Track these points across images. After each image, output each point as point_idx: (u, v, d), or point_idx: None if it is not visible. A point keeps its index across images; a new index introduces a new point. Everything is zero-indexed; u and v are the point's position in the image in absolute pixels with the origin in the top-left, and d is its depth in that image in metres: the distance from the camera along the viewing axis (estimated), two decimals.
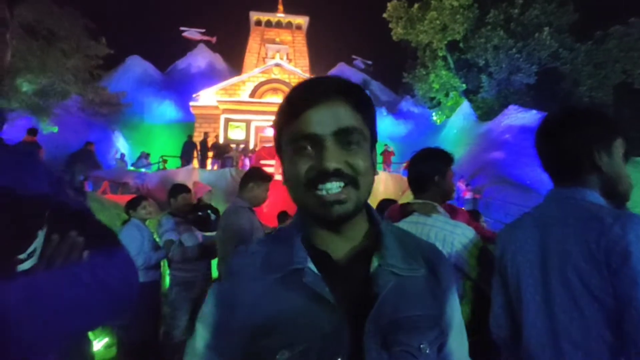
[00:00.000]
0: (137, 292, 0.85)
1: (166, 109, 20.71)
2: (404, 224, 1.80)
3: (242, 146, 17.10)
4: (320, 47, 22.27)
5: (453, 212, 1.98)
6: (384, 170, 15.24)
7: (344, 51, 23.27)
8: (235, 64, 24.13)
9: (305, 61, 22.98)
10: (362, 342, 0.61)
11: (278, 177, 9.02)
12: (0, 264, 0.68)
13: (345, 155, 0.64)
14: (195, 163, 15.53)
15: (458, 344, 0.76)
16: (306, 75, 20.54)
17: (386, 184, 12.61)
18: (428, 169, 1.78)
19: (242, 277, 0.70)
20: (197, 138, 16.99)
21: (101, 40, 14.37)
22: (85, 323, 0.74)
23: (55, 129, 13.55)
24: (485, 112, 19.18)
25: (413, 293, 0.68)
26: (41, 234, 0.76)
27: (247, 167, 13.46)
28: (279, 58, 21.17)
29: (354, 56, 26.91)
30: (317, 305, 0.63)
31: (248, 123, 18.77)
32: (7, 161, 0.76)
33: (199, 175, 11.85)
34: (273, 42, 23.36)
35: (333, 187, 0.63)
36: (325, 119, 0.64)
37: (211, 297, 0.72)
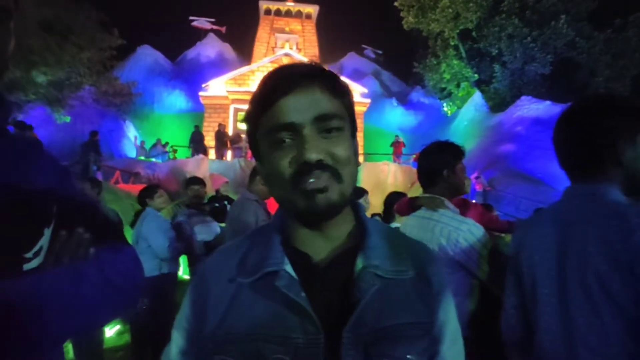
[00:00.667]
0: (141, 289, 0.85)
1: (176, 99, 20.79)
2: (412, 219, 1.78)
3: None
4: (330, 36, 22.05)
5: (466, 207, 1.93)
6: (394, 161, 15.14)
7: (354, 40, 23.01)
8: (245, 54, 24.05)
9: (314, 50, 22.79)
10: (339, 354, 0.56)
11: None
12: (6, 264, 0.66)
13: (325, 144, 0.60)
14: (212, 154, 15.60)
15: (453, 354, 0.67)
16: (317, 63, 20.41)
17: (395, 176, 12.54)
18: (437, 163, 1.74)
19: (215, 279, 0.65)
20: (207, 129, 17.06)
21: (114, 32, 14.51)
22: (91, 321, 0.74)
23: (68, 119, 13.75)
24: (497, 103, 18.83)
25: (399, 298, 0.62)
26: (47, 231, 0.74)
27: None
28: (289, 47, 21.00)
29: (364, 45, 26.59)
30: (292, 312, 0.58)
31: None
32: (12, 154, 0.72)
33: (208, 166, 11.92)
34: (282, 31, 23.18)
35: (315, 177, 0.58)
36: (303, 105, 0.59)
37: (185, 301, 0.68)
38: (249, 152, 15.42)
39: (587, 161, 1.03)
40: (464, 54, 20.81)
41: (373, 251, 0.63)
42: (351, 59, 25.25)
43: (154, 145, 15.68)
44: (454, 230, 1.54)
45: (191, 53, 23.85)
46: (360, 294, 0.58)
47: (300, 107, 0.59)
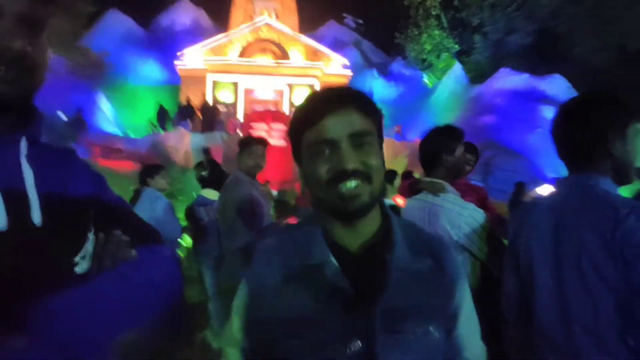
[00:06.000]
0: (182, 288, 0.89)
1: (151, 70, 19.96)
2: (413, 201, 1.85)
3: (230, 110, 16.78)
4: (309, 3, 21.31)
5: (470, 190, 2.01)
6: None
7: (334, 9, 22.28)
8: (221, 21, 23.07)
9: (294, 18, 22.08)
10: (374, 328, 0.70)
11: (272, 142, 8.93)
12: (59, 269, 0.70)
13: (360, 155, 0.73)
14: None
15: (468, 328, 0.84)
16: (296, 35, 19.85)
17: None
18: (436, 148, 1.80)
19: (267, 270, 0.79)
20: (183, 101, 16.53)
21: None
22: (138, 323, 0.75)
23: None
24: (477, 75, 18.92)
25: (420, 284, 0.76)
26: (91, 236, 0.77)
27: (238, 132, 13.29)
28: (267, 15, 20.30)
29: (344, 14, 25.95)
30: (336, 295, 0.72)
31: (236, 85, 18.31)
32: (51, 163, 0.76)
33: (190, 140, 11.69)
34: None
35: (352, 185, 0.71)
36: (341, 125, 0.73)
37: (241, 290, 0.82)
38: (230, 125, 15.17)
39: (581, 153, 1.13)
40: (445, 24, 20.65)
41: (397, 246, 0.76)
42: (331, 28, 24.62)
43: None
44: (456, 216, 1.62)
45: (165, 20, 22.69)
46: (388, 280, 0.73)
47: (338, 125, 0.73)
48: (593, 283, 1.00)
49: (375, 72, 21.00)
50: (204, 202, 3.62)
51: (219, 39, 19.07)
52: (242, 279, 0.83)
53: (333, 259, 0.74)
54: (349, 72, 19.33)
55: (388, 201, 3.53)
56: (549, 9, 18.65)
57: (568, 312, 1.05)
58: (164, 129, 14.56)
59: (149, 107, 18.08)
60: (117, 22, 20.48)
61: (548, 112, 15.36)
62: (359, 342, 0.70)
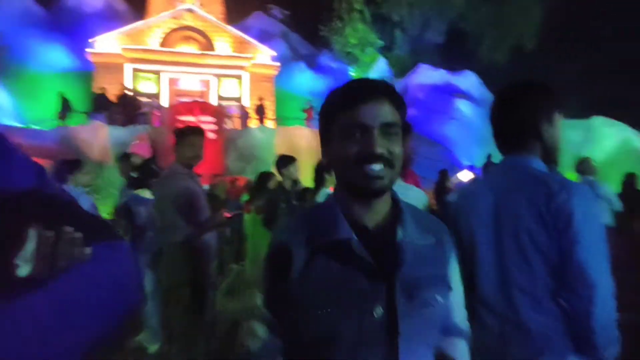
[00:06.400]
0: (142, 284, 0.85)
1: (55, 55, 17.90)
2: None
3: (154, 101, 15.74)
4: None
5: (408, 175, 2.16)
6: (307, 126, 15.36)
7: None
8: (138, 5, 21.44)
9: (219, 7, 21.28)
10: (394, 295, 0.80)
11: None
12: None
13: (386, 143, 0.82)
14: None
15: (457, 297, 0.97)
16: (222, 23, 19.15)
17: (309, 141, 12.80)
18: None
19: (294, 244, 0.85)
20: (99, 91, 15.15)
21: None
22: (106, 324, 0.72)
23: None
24: (400, 70, 20.00)
25: (427, 257, 0.87)
26: (33, 234, 0.71)
27: (163, 125, 12.51)
28: (192, 3, 19.30)
29: (270, 5, 25.62)
30: (360, 267, 0.81)
31: (159, 75, 17.21)
32: None
33: (108, 134, 10.75)
34: None
35: (377, 167, 0.81)
36: (375, 113, 0.82)
37: (268, 263, 0.90)
38: (155, 117, 14.19)
39: (515, 136, 1.26)
40: (368, 18, 21.36)
41: (407, 225, 0.87)
42: (258, 19, 24.16)
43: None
44: (402, 196, 1.72)
45: (71, 0, 20.47)
46: (404, 254, 0.83)
47: (373, 114, 0.82)
48: (529, 251, 1.13)
49: (303, 64, 21.11)
50: (139, 200, 3.43)
51: (138, 25, 17.72)
52: (266, 258, 0.91)
53: (354, 236, 0.82)
54: (277, 64, 19.18)
55: (326, 191, 3.57)
56: (458, 11, 20.31)
57: (508, 278, 1.16)
58: (63, 120, 13.15)
59: (54, 96, 16.29)
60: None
61: (462, 105, 16.87)
62: (381, 308, 0.80)
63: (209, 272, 2.87)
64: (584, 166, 4.45)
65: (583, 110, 13.54)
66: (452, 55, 20.70)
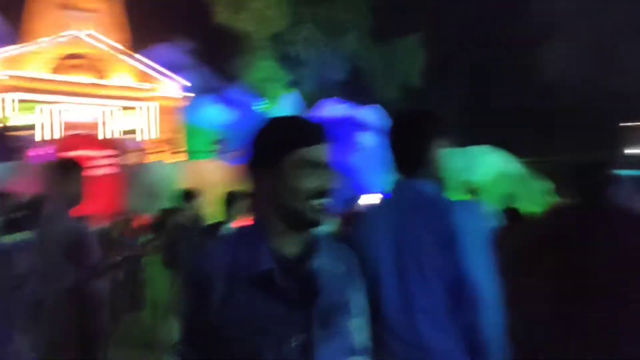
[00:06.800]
0: None
1: None
2: None
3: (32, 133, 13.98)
4: (143, 22, 19.73)
5: None
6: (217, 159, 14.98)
7: (170, 29, 21.17)
8: (19, 28, 19.19)
9: (123, 35, 19.96)
10: (310, 323, 0.85)
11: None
12: None
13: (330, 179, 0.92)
14: None
15: (362, 319, 1.01)
16: (121, 52, 18.02)
17: (220, 174, 12.48)
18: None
19: (214, 273, 0.87)
20: None
21: None
22: None
23: None
24: (310, 104, 20.80)
25: (339, 285, 0.94)
26: None
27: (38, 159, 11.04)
28: (85, 28, 17.85)
29: (179, 36, 24.98)
30: (280, 297, 0.86)
31: (44, 105, 15.39)
32: None
33: None
34: (75, 7, 19.43)
35: (326, 201, 0.90)
36: (326, 152, 0.93)
37: (186, 292, 0.92)
38: (34, 152, 12.48)
39: (410, 160, 1.33)
40: (273, 57, 22.02)
41: (322, 254, 0.93)
42: (165, 50, 23.35)
43: None
44: None
45: None
46: (320, 283, 0.89)
47: (325, 152, 0.92)
48: (428, 271, 1.17)
49: (212, 97, 20.79)
50: (17, 246, 2.97)
51: (19, 48, 15.85)
52: (183, 289, 0.93)
53: (277, 267, 0.86)
54: (185, 95, 18.63)
55: (227, 226, 3.44)
56: (350, 50, 22.04)
57: (411, 302, 1.18)
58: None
59: None
60: None
61: (364, 138, 18.12)
62: (299, 335, 0.84)
63: (100, 321, 2.59)
64: (469, 188, 5.04)
65: (465, 141, 15.31)
66: (355, 91, 22.28)
